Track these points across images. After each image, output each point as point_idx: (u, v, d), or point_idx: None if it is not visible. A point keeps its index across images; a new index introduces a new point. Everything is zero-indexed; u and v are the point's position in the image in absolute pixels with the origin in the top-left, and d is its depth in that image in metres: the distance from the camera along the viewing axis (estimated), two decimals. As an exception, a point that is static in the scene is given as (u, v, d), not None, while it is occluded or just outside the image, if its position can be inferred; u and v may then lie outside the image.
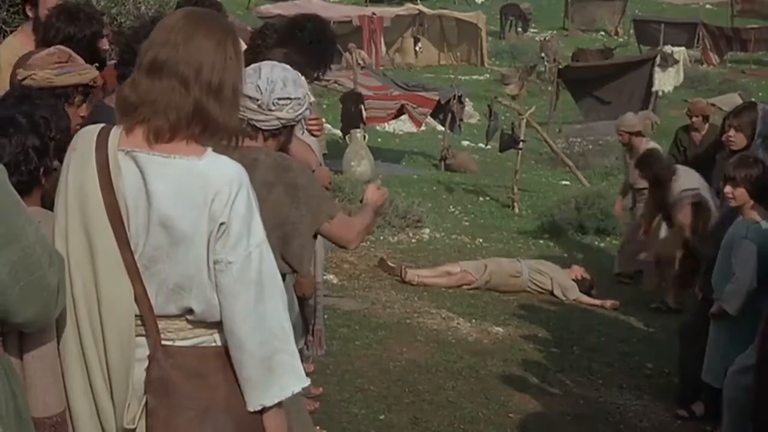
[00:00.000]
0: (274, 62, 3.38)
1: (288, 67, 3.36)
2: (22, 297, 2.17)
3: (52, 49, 3.53)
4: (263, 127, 3.26)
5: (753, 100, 7.88)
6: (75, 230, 2.36)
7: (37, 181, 2.64)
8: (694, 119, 10.24)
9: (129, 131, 2.36)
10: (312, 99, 3.53)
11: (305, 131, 4.56)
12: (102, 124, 2.45)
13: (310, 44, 4.89)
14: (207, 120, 2.35)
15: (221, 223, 2.30)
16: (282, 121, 3.27)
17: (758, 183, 5.34)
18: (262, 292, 2.35)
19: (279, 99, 3.23)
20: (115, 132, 2.38)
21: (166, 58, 2.32)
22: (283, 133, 3.34)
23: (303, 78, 3.40)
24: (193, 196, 2.30)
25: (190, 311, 2.35)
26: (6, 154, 2.60)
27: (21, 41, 4.91)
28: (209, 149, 2.36)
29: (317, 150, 4.86)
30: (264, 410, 2.41)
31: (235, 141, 2.43)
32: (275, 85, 3.23)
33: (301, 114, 3.32)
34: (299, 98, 3.29)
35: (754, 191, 5.37)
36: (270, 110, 3.23)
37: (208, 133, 2.36)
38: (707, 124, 10.07)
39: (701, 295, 5.95)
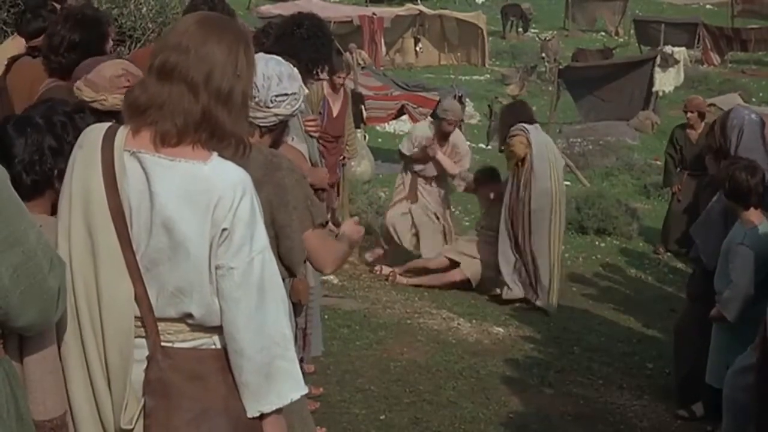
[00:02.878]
0: (267, 55, 3.36)
1: (280, 59, 3.34)
2: (23, 301, 2.16)
3: (119, 68, 3.41)
4: (261, 124, 3.25)
5: (737, 105, 7.71)
6: (78, 228, 2.36)
7: (50, 183, 2.63)
8: (689, 115, 10.25)
9: (136, 132, 2.36)
10: (306, 91, 3.51)
11: (295, 137, 4.56)
12: (109, 123, 2.46)
13: (307, 40, 4.91)
14: (215, 126, 2.34)
15: (224, 229, 2.30)
16: (279, 117, 3.27)
17: (730, 185, 5.33)
18: (264, 298, 2.35)
19: (276, 96, 3.22)
20: (122, 132, 2.38)
21: (177, 62, 2.32)
22: (279, 128, 3.33)
23: (296, 70, 3.38)
24: (197, 200, 2.29)
25: (190, 315, 2.35)
26: (22, 153, 2.61)
27: (19, 45, 4.91)
28: (215, 154, 2.35)
29: (308, 155, 4.86)
30: (262, 416, 2.41)
31: (242, 148, 2.41)
32: (271, 81, 3.21)
33: (297, 108, 3.32)
34: (295, 93, 3.28)
35: (728, 194, 5.35)
36: (268, 107, 3.22)
37: (216, 139, 2.36)
38: (704, 123, 10.07)
39: (690, 298, 5.97)
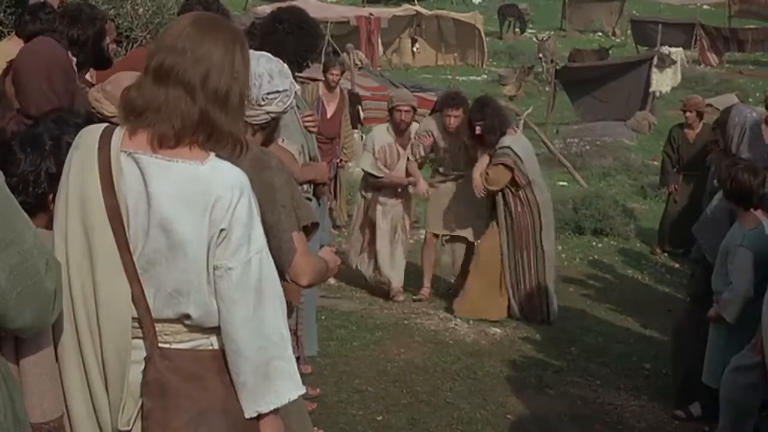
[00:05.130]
0: (257, 53, 3.35)
1: (270, 56, 3.33)
2: (19, 302, 2.16)
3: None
4: (253, 122, 3.24)
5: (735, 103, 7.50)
6: (74, 230, 2.35)
7: (44, 207, 2.60)
8: (687, 114, 10.24)
9: (132, 133, 2.35)
10: (297, 87, 3.49)
11: (286, 138, 4.53)
12: (105, 124, 2.45)
13: (291, 34, 4.90)
14: (212, 128, 2.34)
15: (222, 229, 2.29)
16: (271, 115, 3.25)
17: (732, 186, 5.29)
18: (261, 299, 2.35)
19: (268, 94, 3.20)
20: (118, 133, 2.38)
21: (173, 64, 2.31)
22: (271, 125, 3.32)
23: (286, 67, 3.37)
24: (194, 200, 2.29)
25: (188, 316, 2.35)
26: (18, 172, 2.59)
27: (16, 46, 4.91)
28: (212, 154, 2.35)
29: (307, 150, 4.85)
30: (260, 416, 2.41)
31: (240, 147, 2.41)
32: (262, 79, 3.20)
33: (289, 105, 3.31)
34: (286, 90, 3.26)
35: (730, 194, 5.31)
36: (260, 105, 3.21)
37: (213, 140, 2.35)
38: (702, 123, 10.07)
39: (693, 300, 5.95)
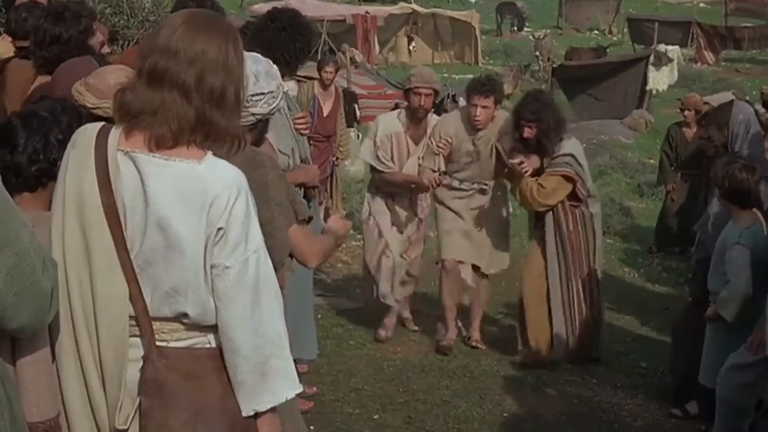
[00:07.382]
0: (245, 54, 3.33)
1: (259, 57, 3.30)
2: (17, 302, 2.15)
3: (122, 75, 3.22)
4: None
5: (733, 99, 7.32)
6: (72, 229, 2.35)
7: (55, 175, 2.61)
8: (686, 113, 10.26)
9: (129, 133, 2.35)
10: (286, 89, 3.45)
11: (270, 135, 4.51)
12: (102, 123, 2.44)
13: (282, 32, 4.89)
14: (210, 128, 2.33)
15: (219, 228, 2.29)
16: (257, 116, 3.24)
17: (730, 185, 5.27)
18: (259, 297, 2.35)
19: (252, 96, 3.17)
20: (115, 132, 2.37)
21: (167, 67, 2.30)
22: (259, 126, 3.30)
23: (275, 68, 3.35)
24: (192, 199, 2.29)
25: (185, 315, 2.35)
26: (27, 142, 2.64)
27: (8, 45, 4.89)
28: (209, 153, 2.35)
29: (298, 153, 4.83)
30: (257, 415, 2.41)
31: (237, 145, 2.40)
32: (248, 80, 3.17)
33: (275, 107, 3.29)
34: (273, 91, 3.23)
35: (726, 194, 5.29)
36: (245, 107, 3.19)
37: (211, 140, 2.35)
38: (700, 121, 10.06)
39: (694, 299, 5.94)
